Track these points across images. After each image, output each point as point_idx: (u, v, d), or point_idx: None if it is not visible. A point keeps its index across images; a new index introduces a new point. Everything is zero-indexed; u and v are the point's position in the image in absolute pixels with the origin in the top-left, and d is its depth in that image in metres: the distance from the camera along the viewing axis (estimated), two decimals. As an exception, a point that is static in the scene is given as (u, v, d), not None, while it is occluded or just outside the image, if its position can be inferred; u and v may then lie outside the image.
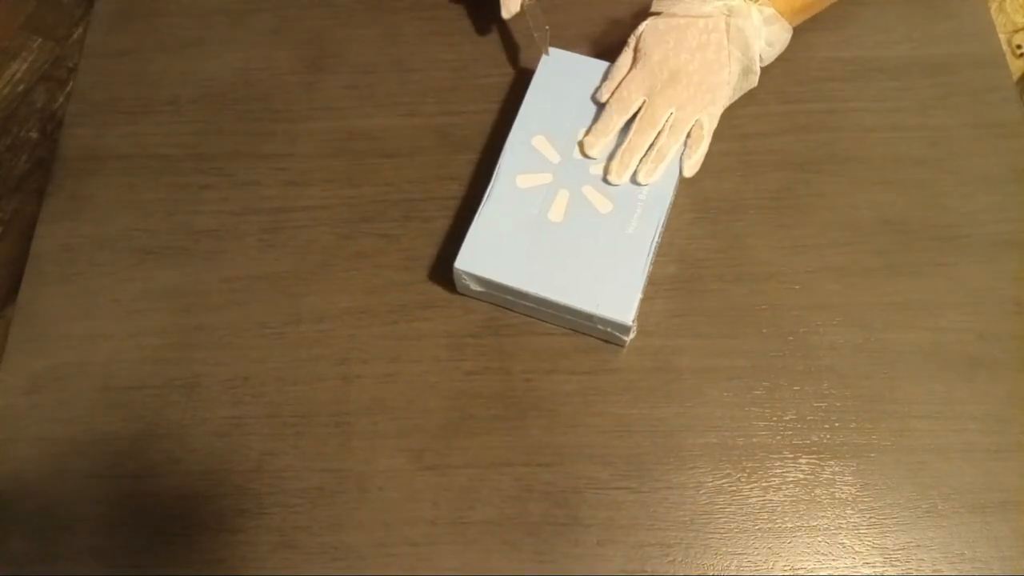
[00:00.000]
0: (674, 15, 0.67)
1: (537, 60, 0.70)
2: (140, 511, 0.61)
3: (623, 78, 0.67)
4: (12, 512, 0.62)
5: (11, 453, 0.64)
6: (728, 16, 0.66)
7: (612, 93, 0.67)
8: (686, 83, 0.65)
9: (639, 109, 0.66)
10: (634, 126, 0.65)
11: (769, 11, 0.66)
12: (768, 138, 0.72)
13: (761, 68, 0.68)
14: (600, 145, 0.66)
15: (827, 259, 0.67)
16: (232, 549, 0.60)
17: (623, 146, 0.65)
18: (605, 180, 0.65)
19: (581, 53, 0.70)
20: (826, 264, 0.67)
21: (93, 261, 0.70)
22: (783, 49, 0.69)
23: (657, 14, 0.68)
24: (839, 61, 0.75)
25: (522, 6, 0.72)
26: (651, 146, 0.65)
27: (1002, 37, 1.11)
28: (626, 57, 0.68)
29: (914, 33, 0.75)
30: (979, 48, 0.74)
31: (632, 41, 0.68)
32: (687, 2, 0.67)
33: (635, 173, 0.65)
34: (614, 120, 0.66)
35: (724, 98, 0.66)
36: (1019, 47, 1.57)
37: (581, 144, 0.66)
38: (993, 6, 1.59)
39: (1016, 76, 1.45)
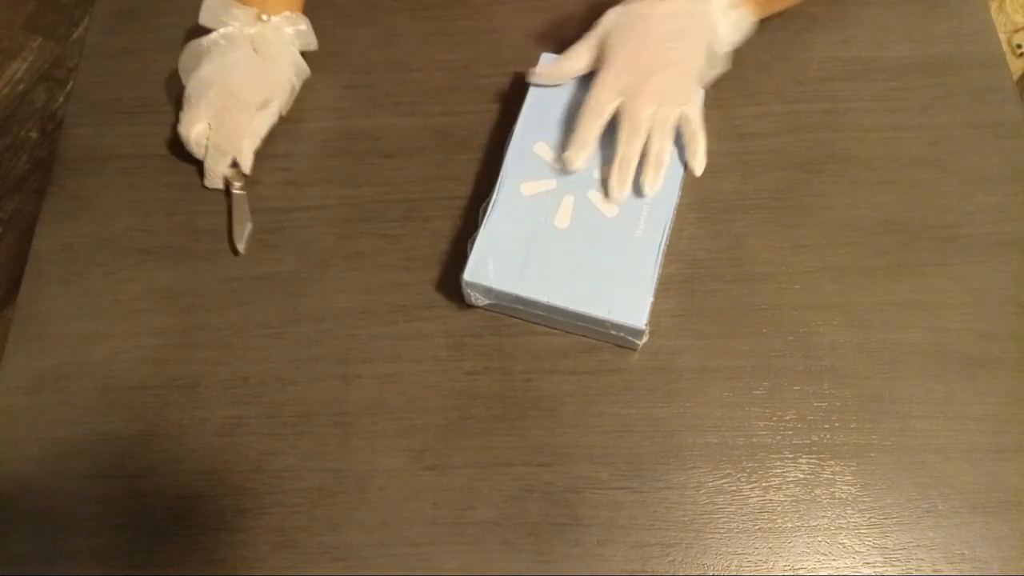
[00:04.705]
0: (636, 3, 0.65)
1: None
2: (140, 511, 0.62)
3: (596, 83, 0.64)
4: (12, 512, 0.62)
5: (11, 453, 0.64)
6: (692, 2, 0.64)
7: (586, 102, 0.64)
8: (660, 77, 0.63)
9: (617, 113, 0.64)
10: (621, 136, 0.63)
11: None
12: (768, 138, 0.72)
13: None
14: (582, 157, 0.64)
15: (827, 259, 0.67)
16: (232, 549, 0.60)
17: (616, 160, 0.63)
18: (607, 197, 0.64)
19: (581, 53, 0.70)
20: (826, 264, 0.67)
21: (93, 261, 0.70)
22: (748, 35, 0.67)
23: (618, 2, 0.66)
24: (839, 61, 0.75)
25: (228, 189, 0.71)
26: (645, 153, 0.64)
27: (1002, 37, 1.12)
28: (587, 50, 0.66)
29: (914, 33, 0.75)
30: (979, 48, 0.74)
31: (595, 35, 0.66)
32: None
33: (639, 185, 0.64)
34: (591, 128, 0.64)
35: (699, 86, 0.65)
36: (1019, 47, 1.57)
37: (563, 160, 0.65)
38: (993, 6, 1.59)
39: (1016, 76, 1.45)
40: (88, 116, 0.77)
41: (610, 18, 0.66)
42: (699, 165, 0.65)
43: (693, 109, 0.64)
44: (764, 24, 0.75)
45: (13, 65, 1.66)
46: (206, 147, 0.71)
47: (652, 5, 0.65)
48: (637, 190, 0.64)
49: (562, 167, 0.65)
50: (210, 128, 0.70)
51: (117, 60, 0.80)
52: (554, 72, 0.67)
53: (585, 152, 0.64)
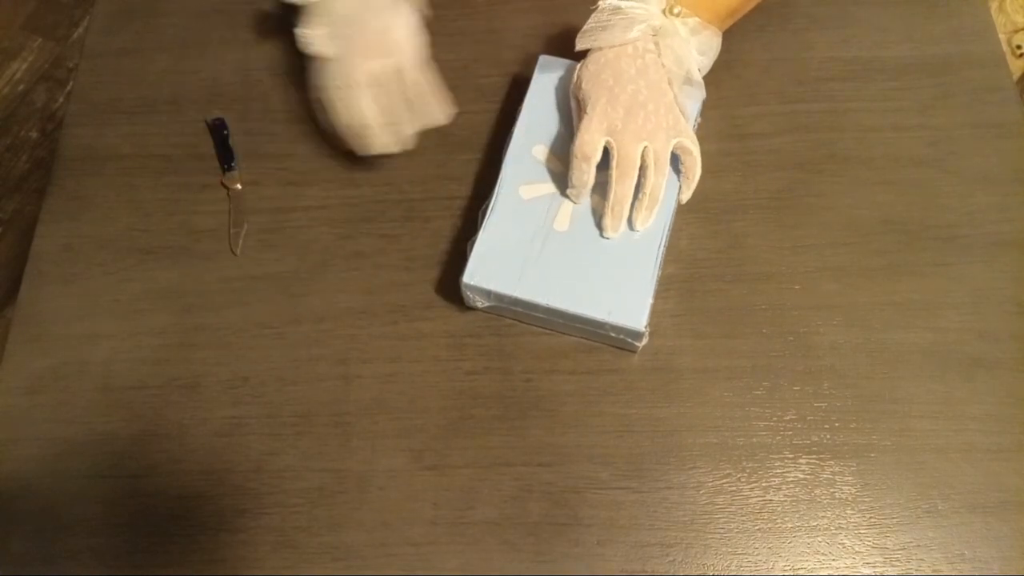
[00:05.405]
0: (601, 49, 0.65)
1: (536, 61, 0.70)
2: (140, 511, 0.62)
3: (581, 126, 0.63)
4: (12, 512, 0.62)
5: (11, 453, 0.64)
6: (655, 36, 0.64)
7: (574, 144, 0.64)
8: (644, 114, 0.63)
9: (608, 150, 0.63)
10: (613, 174, 0.63)
11: (693, 21, 0.65)
12: (768, 138, 0.72)
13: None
14: (585, 193, 0.64)
15: (827, 259, 0.67)
16: (232, 549, 0.60)
17: (609, 201, 0.63)
18: (602, 236, 0.63)
19: (580, 59, 0.70)
20: (826, 264, 0.67)
21: (93, 261, 0.70)
22: (717, 54, 0.68)
23: (585, 53, 0.66)
24: (839, 61, 0.75)
25: (228, 191, 0.72)
26: (639, 189, 0.63)
27: (1002, 37, 1.11)
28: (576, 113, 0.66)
29: (914, 33, 0.75)
30: (979, 48, 0.74)
31: (575, 95, 0.66)
32: (610, 32, 0.64)
33: (631, 221, 0.63)
34: (584, 171, 0.63)
35: (683, 114, 0.64)
36: (1019, 47, 1.57)
37: (568, 195, 0.65)
38: (993, 6, 1.59)
39: (1016, 76, 1.45)
40: (88, 116, 0.77)
41: (579, 73, 0.66)
42: (687, 197, 0.65)
43: (690, 141, 0.64)
44: (764, 24, 0.75)
45: (13, 65, 1.67)
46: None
47: (618, 49, 0.65)
48: (628, 224, 0.64)
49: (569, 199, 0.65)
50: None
51: (117, 60, 0.80)
52: (583, 168, 0.64)
53: (586, 189, 0.64)
